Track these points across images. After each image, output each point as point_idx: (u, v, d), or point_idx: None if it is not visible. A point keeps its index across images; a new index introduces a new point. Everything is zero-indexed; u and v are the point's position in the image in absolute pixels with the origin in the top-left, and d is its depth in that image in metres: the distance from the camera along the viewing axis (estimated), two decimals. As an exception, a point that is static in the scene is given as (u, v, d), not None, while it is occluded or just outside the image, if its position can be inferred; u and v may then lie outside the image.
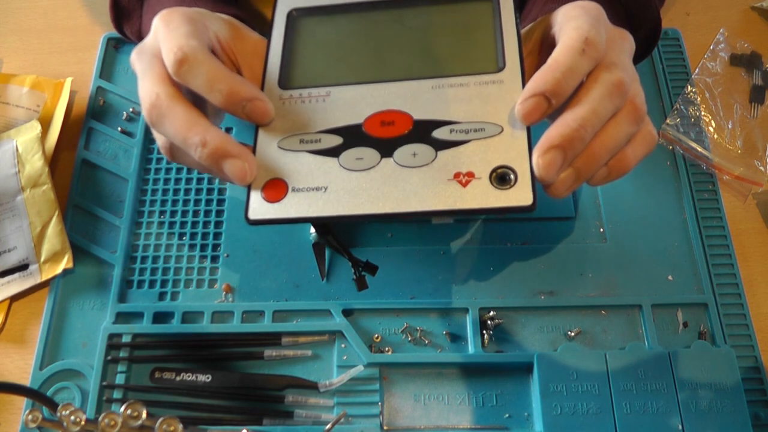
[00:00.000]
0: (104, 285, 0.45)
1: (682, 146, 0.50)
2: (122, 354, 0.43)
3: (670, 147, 0.50)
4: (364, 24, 0.36)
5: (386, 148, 0.31)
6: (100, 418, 0.29)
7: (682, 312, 0.44)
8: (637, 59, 0.50)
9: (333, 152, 0.31)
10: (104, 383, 0.42)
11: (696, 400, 0.40)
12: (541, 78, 0.30)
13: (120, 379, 0.42)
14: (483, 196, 0.29)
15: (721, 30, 0.57)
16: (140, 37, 0.47)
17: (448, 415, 0.41)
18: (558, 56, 0.31)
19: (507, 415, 0.41)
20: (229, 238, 0.47)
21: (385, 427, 0.41)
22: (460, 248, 0.46)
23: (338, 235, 0.40)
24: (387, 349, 0.43)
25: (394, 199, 0.30)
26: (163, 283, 0.45)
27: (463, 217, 0.44)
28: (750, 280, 0.46)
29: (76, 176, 0.49)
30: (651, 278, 0.45)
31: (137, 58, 0.35)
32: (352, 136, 0.32)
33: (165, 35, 0.33)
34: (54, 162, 0.50)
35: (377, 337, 0.43)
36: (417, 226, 0.47)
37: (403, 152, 0.31)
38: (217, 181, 0.49)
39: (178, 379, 0.42)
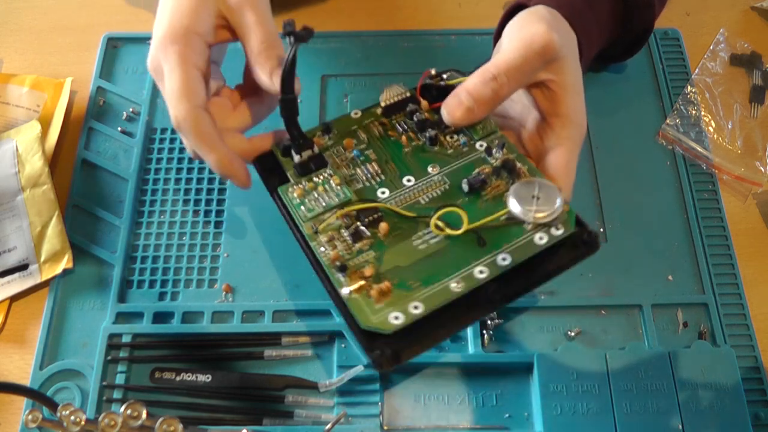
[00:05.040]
0: (104, 285, 0.45)
1: (682, 146, 0.50)
2: (122, 354, 0.43)
3: (670, 147, 0.51)
4: None
5: None
6: (100, 418, 0.29)
7: (682, 312, 0.44)
8: (622, 57, 0.50)
9: None
10: (104, 383, 0.42)
11: (696, 400, 0.40)
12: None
13: (120, 379, 0.42)
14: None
15: (721, 30, 0.57)
16: None
17: (448, 415, 0.41)
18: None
19: (507, 415, 0.41)
20: (229, 238, 0.47)
21: (385, 427, 0.41)
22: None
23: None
24: (387, 349, 0.43)
25: None
26: (163, 283, 0.45)
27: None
28: (750, 280, 0.46)
29: (76, 176, 0.49)
30: (651, 278, 0.45)
31: (162, 56, 0.37)
32: None
33: (168, 72, 0.36)
34: (54, 162, 0.50)
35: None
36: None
37: None
38: (217, 181, 0.49)
39: (178, 379, 0.42)
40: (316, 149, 0.38)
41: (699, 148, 0.50)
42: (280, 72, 0.35)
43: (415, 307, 0.32)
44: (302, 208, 0.36)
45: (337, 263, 0.34)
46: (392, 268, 0.34)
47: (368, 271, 0.33)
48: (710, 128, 0.52)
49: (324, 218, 0.35)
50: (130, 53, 0.55)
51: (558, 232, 0.34)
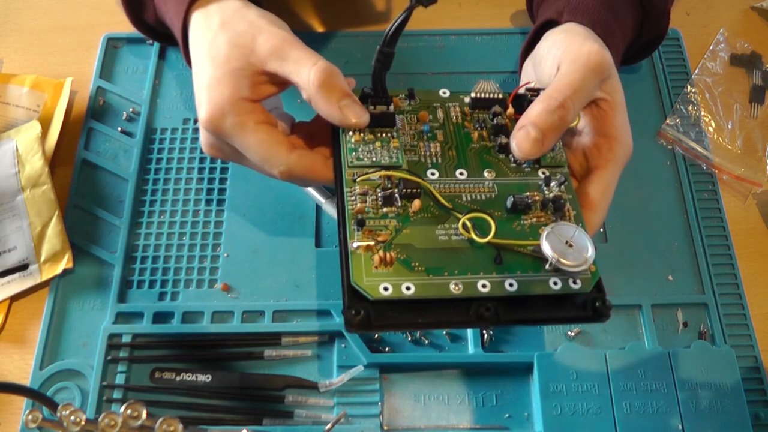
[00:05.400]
0: (104, 285, 0.45)
1: (682, 146, 0.50)
2: (122, 354, 0.43)
3: (670, 147, 0.51)
4: None
5: None
6: (100, 418, 0.29)
7: (682, 312, 0.44)
8: (632, 60, 0.50)
9: None
10: (104, 383, 0.42)
11: (696, 400, 0.40)
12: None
13: (120, 379, 0.42)
14: None
15: (721, 30, 0.57)
16: (158, 20, 0.46)
17: (448, 415, 0.41)
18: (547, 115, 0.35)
19: (507, 415, 0.41)
20: (229, 238, 0.47)
21: (385, 427, 0.41)
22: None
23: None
24: (387, 349, 0.43)
25: None
26: (163, 283, 0.45)
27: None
28: (750, 280, 0.46)
29: (76, 176, 0.49)
30: (651, 278, 0.45)
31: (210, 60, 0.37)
32: None
33: (242, 146, 0.36)
34: (54, 162, 0.50)
35: (377, 337, 0.43)
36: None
37: None
38: (217, 180, 0.49)
39: (178, 379, 0.42)
40: (391, 108, 0.38)
41: (699, 148, 0.50)
42: (349, 102, 0.36)
43: (407, 288, 0.32)
44: (353, 153, 0.36)
45: (359, 216, 0.34)
46: (405, 244, 0.34)
47: (383, 236, 0.33)
48: (710, 128, 0.52)
49: (367, 171, 0.36)
50: (130, 53, 0.55)
51: (574, 285, 0.33)
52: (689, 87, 0.53)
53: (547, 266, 0.33)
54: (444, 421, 0.41)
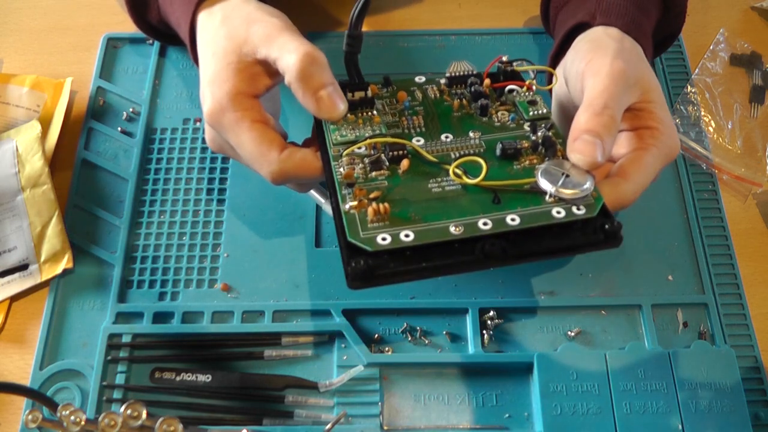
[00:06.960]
0: (104, 285, 0.45)
1: (682, 146, 0.50)
2: (122, 354, 0.43)
3: (670, 147, 0.51)
4: None
5: None
6: (100, 418, 0.29)
7: (682, 312, 0.44)
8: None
9: None
10: (104, 383, 0.42)
11: (696, 400, 0.40)
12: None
13: (120, 379, 0.42)
14: None
15: (721, 30, 0.57)
16: (161, 21, 0.47)
17: (448, 415, 0.41)
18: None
19: (507, 415, 0.41)
20: (229, 238, 0.47)
21: (385, 427, 0.41)
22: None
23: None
24: (387, 349, 0.43)
25: None
26: (163, 283, 0.45)
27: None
28: (750, 280, 0.46)
29: (76, 176, 0.49)
30: (651, 278, 0.45)
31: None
32: None
33: (235, 143, 0.37)
34: (54, 162, 0.50)
35: (377, 337, 0.43)
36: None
37: None
38: (217, 180, 0.49)
39: (178, 379, 0.42)
40: (369, 93, 0.39)
41: (699, 148, 0.50)
42: (327, 93, 0.36)
43: (406, 235, 0.31)
44: (336, 132, 0.37)
45: (348, 180, 0.34)
46: (399, 200, 0.33)
47: (374, 194, 0.33)
48: (710, 128, 0.52)
49: (352, 146, 0.36)
50: (130, 53, 0.55)
51: (578, 212, 0.32)
52: (689, 87, 0.53)
53: (547, 198, 0.33)
54: (444, 421, 0.41)
